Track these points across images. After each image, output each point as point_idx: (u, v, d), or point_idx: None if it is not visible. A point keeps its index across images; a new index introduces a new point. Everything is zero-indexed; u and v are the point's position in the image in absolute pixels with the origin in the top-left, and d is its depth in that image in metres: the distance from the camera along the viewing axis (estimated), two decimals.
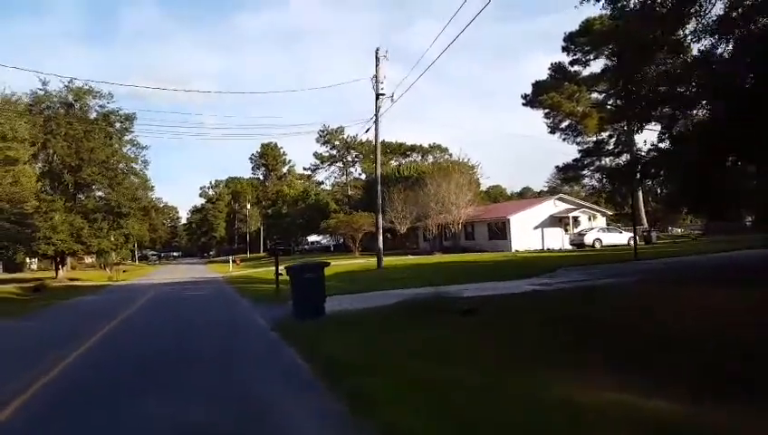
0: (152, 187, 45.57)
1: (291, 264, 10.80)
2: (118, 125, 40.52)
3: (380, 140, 24.90)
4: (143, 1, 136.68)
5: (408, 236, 51.08)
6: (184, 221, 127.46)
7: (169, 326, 10.61)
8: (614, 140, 51.59)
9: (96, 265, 55.54)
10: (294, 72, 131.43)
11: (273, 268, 33.83)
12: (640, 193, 47.18)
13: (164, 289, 22.22)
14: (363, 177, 77.56)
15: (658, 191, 48.71)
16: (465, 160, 43.94)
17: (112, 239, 40.21)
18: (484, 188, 60.70)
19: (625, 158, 54.56)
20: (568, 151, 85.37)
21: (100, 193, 40.65)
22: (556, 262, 19.55)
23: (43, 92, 35.96)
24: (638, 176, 42.34)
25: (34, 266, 51.22)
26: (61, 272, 37.85)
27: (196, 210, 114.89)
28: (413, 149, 78.70)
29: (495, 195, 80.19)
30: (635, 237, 21.83)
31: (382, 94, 23.90)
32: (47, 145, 36.50)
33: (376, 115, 24.32)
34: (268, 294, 15.32)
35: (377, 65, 23.94)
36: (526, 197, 74.49)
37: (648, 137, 57.77)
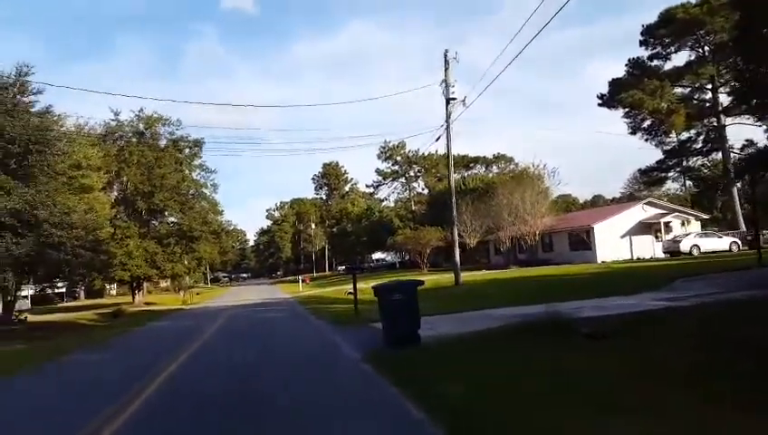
0: (221, 211, 46.26)
1: (375, 283, 9.36)
2: (187, 151, 41.53)
3: (450, 148, 23.29)
4: (206, 36, 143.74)
5: (477, 251, 48.80)
6: (252, 243, 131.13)
7: (242, 359, 9.14)
8: (702, 137, 47.29)
9: (171, 289, 57.11)
10: (353, 94, 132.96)
11: (344, 287, 33.43)
12: (736, 194, 42.62)
13: (236, 312, 21.54)
14: (426, 192, 76.09)
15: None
16: (541, 167, 41.18)
17: (186, 263, 40.85)
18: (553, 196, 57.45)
19: (715, 156, 50.18)
20: (640, 158, 79.68)
21: (172, 218, 41.58)
22: (666, 273, 17.02)
23: (115, 123, 37.39)
24: (733, 175, 38.28)
25: (114, 292, 53.21)
26: (137, 297, 38.76)
27: (262, 232, 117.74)
28: (476, 160, 76.39)
29: (567, 204, 76.07)
30: (758, 241, 18.80)
31: (453, 99, 22.40)
32: (120, 173, 37.74)
33: (447, 121, 22.80)
34: (346, 316, 14.03)
35: (446, 68, 22.52)
36: (598, 205, 69.83)
37: (740, 132, 52.34)
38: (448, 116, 22.61)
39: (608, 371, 5.55)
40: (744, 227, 38.97)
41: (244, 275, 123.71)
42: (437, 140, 24.19)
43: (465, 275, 25.14)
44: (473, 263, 46.44)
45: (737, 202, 41.48)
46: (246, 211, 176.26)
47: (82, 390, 7.85)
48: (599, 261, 32.68)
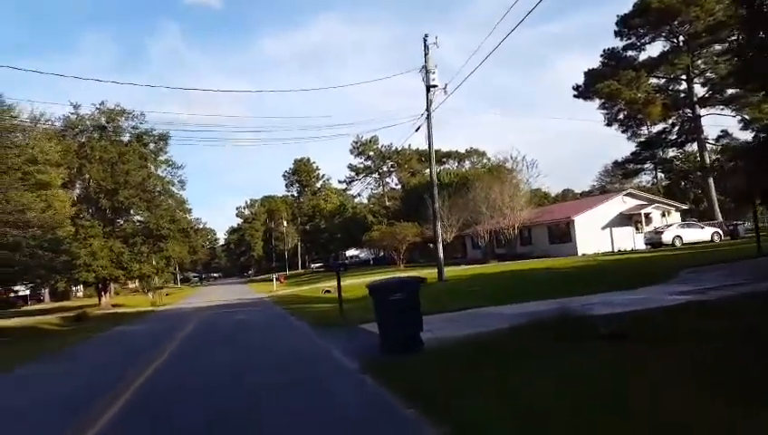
0: (189, 208, 44.29)
1: (372, 281, 8.28)
2: (152, 146, 39.50)
3: (431, 137, 22.33)
4: (167, 33, 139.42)
5: (453, 246, 48.22)
6: (222, 242, 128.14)
7: (220, 375, 7.71)
8: (677, 128, 47.66)
9: (140, 290, 54.84)
10: (323, 91, 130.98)
11: (318, 286, 32.20)
12: (712, 184, 43.07)
13: (209, 314, 20.15)
14: (399, 187, 75.27)
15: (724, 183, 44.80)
16: (520, 159, 40.54)
17: (154, 263, 38.92)
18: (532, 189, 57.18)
19: (689, 147, 50.75)
20: (610, 152, 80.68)
21: (138, 217, 39.58)
22: (663, 264, 16.50)
23: (74, 116, 35.18)
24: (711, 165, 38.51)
25: (81, 294, 50.74)
26: (104, 299, 36.69)
27: (233, 230, 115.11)
28: (449, 155, 75.94)
29: (539, 198, 76.16)
30: (758, 231, 18.37)
31: (434, 86, 21.46)
32: (82, 170, 35.59)
33: (428, 110, 21.84)
34: (331, 317, 12.90)
35: (426, 54, 21.54)
36: (567, 199, 70.04)
37: (716, 122, 52.97)
38: (429, 104, 21.67)
39: (632, 377, 4.68)
40: (720, 218, 39.39)
41: (215, 274, 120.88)
42: (418, 129, 23.19)
43: (446, 271, 24.30)
44: (450, 258, 45.72)
45: (714, 193, 41.89)
46: (216, 209, 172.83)
47: (19, 418, 6.52)
48: (579, 253, 32.36)
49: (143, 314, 26.13)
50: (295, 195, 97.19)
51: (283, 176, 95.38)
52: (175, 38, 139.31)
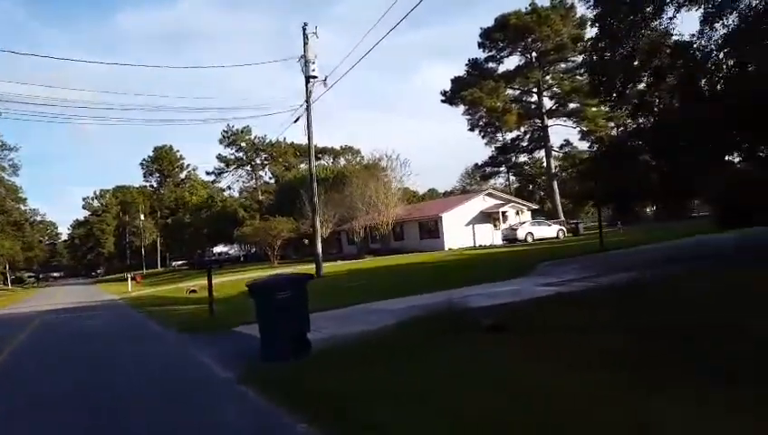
0: (24, 198, 38.42)
1: (252, 279, 7.56)
2: None
3: (310, 129, 21.78)
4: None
5: (329, 241, 48.05)
6: (65, 237, 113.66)
7: (65, 396, 6.25)
8: (528, 136, 52.61)
9: None
10: (187, 74, 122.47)
11: (181, 286, 29.70)
12: (556, 187, 48.31)
13: (48, 320, 17.33)
14: (273, 181, 73.08)
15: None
16: (394, 157, 41.55)
17: None
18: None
19: (537, 154, 56.39)
20: (469, 155, 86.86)
21: None
22: (520, 258, 17.86)
23: None
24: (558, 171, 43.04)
25: None
26: None
27: (78, 224, 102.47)
28: (324, 151, 75.55)
29: (408, 196, 79.19)
30: (600, 229, 20.64)
31: (314, 77, 20.94)
32: None
33: (307, 101, 21.24)
34: (199, 321, 11.72)
35: (305, 43, 20.93)
36: (432, 198, 73.87)
37: (559, 132, 59.35)
38: (309, 94, 21.09)
39: (524, 369, 4.79)
40: (562, 217, 44.28)
41: (56, 274, 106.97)
42: (297, 120, 22.43)
43: (324, 266, 23.95)
44: (326, 253, 45.31)
45: (557, 195, 46.93)
46: (59, 201, 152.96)
47: None
48: (446, 248, 34.13)
49: None
50: (155, 186, 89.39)
51: (141, 164, 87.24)
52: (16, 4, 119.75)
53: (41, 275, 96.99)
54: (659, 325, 5.79)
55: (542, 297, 8.80)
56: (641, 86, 14.76)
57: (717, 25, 12.87)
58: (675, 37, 13.65)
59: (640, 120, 15.54)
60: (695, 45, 13.79)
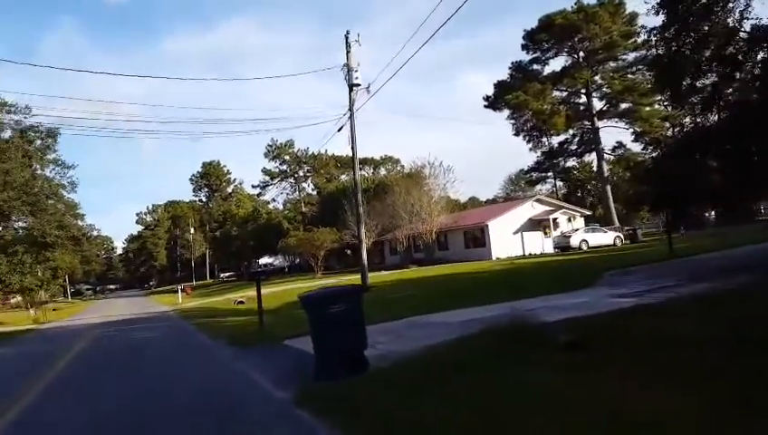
0: (82, 214, 40.04)
1: (304, 292, 7.12)
2: (38, 142, 35.12)
3: (354, 138, 21.44)
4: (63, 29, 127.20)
5: (371, 252, 47.74)
6: (120, 251, 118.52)
7: (117, 420, 5.84)
8: (577, 139, 50.73)
9: (22, 306, 48.48)
10: (230, 93, 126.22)
11: (229, 297, 29.98)
12: (609, 192, 46.23)
13: (101, 333, 17.61)
14: (315, 193, 73.66)
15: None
16: (437, 164, 40.76)
17: (38, 274, 34.45)
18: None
19: (589, 157, 54.33)
20: (512, 162, 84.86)
21: (20, 223, 34.94)
22: (582, 267, 16.80)
23: None
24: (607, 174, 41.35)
25: None
26: None
27: (132, 238, 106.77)
28: (364, 162, 75.56)
29: (450, 205, 78.00)
30: (670, 236, 19.21)
31: (357, 84, 20.65)
32: None
33: (351, 109, 20.95)
34: (249, 333, 11.45)
35: (347, 52, 20.70)
36: (476, 206, 72.45)
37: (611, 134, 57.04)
38: (352, 103, 20.80)
39: (622, 395, 4.06)
40: (617, 223, 42.25)
41: (112, 286, 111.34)
42: (341, 129, 22.18)
43: (369, 277, 23.50)
44: (369, 264, 45.00)
45: (611, 200, 44.87)
46: (114, 217, 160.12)
47: None
48: (493, 258, 33.06)
49: (21, 332, 22.61)
50: (204, 200, 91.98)
51: (191, 180, 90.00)
52: (70, 33, 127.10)
53: (98, 288, 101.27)
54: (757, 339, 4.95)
55: (619, 310, 7.95)
56: (712, 79, 13.57)
57: None
58: (751, 21, 12.46)
59: (712, 117, 14.32)
60: None
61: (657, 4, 12.83)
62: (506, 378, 5.13)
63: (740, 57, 13.18)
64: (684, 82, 13.39)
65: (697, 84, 13.92)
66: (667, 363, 4.77)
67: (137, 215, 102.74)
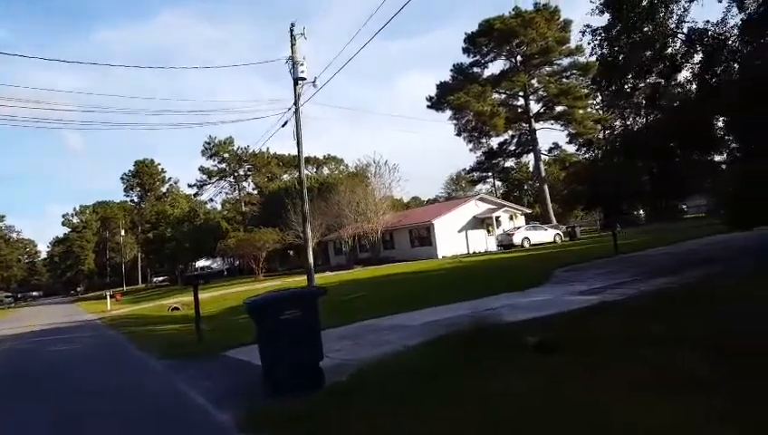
0: (1, 215, 36.40)
1: (251, 296, 6.34)
2: None
3: (299, 134, 20.56)
4: None
5: (315, 252, 46.65)
6: (44, 256, 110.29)
7: None
8: (516, 140, 51.99)
9: None
10: (169, 88, 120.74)
11: (163, 303, 28.11)
12: (547, 191, 47.66)
13: (15, 346, 15.79)
14: (256, 192, 71.46)
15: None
16: (383, 163, 40.31)
17: None
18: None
19: (526, 158, 55.89)
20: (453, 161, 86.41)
21: None
22: (529, 264, 16.85)
23: None
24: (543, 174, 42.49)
25: None
26: None
27: (58, 241, 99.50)
28: (307, 161, 74.26)
29: (393, 204, 78.03)
30: (614, 234, 19.63)
31: (302, 79, 19.78)
32: None
33: (296, 104, 20.04)
34: (186, 344, 10.41)
35: (292, 44, 19.80)
36: (419, 206, 72.96)
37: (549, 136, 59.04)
38: (297, 97, 19.89)
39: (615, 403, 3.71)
40: (555, 221, 43.55)
41: (35, 293, 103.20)
42: (285, 125, 21.19)
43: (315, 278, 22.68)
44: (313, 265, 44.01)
45: (548, 199, 46.24)
46: (38, 219, 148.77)
47: None
48: (439, 256, 33.07)
49: None
50: (136, 200, 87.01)
51: (122, 179, 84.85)
52: None
53: (19, 295, 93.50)
54: (738, 336, 4.77)
55: (582, 308, 7.71)
56: (654, 79, 13.91)
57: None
58: (688, 24, 12.86)
59: (640, 120, 14.74)
60: (709, 33, 13.05)
61: (602, 3, 12.99)
62: (482, 387, 4.65)
63: (679, 58, 13.57)
64: (626, 82, 13.64)
65: (639, 84, 14.24)
66: (644, 366, 4.46)
67: (63, 217, 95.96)
